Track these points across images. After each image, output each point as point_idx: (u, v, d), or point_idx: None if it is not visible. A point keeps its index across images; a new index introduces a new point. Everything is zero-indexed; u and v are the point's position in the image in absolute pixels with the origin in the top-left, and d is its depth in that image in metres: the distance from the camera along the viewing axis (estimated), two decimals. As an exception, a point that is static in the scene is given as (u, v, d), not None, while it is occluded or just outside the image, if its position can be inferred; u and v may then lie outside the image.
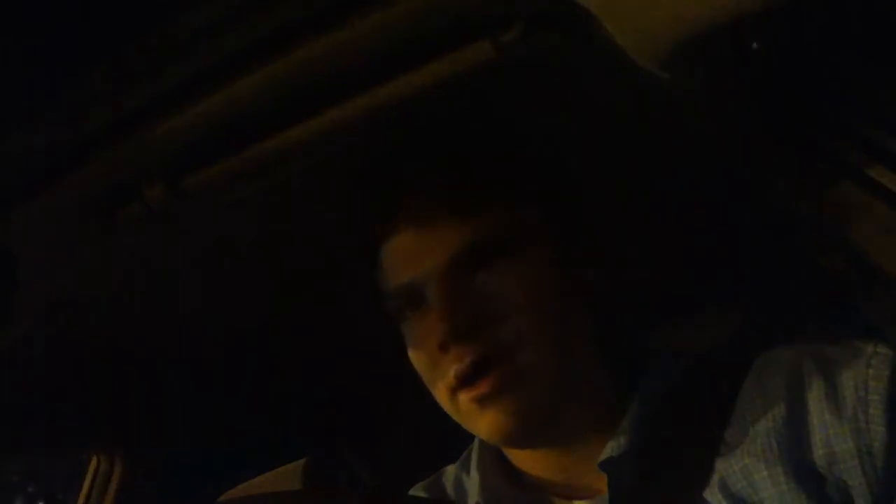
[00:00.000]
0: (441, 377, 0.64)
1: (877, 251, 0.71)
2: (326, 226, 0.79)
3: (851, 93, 0.62)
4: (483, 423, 0.64)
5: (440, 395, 0.67)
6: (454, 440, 0.76)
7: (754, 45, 0.57)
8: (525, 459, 0.71)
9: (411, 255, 0.65)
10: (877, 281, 0.79)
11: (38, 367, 0.88)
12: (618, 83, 0.63)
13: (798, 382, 0.61)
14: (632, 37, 0.54)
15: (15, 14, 0.56)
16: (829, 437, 0.58)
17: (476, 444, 0.75)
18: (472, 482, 0.73)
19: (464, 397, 0.63)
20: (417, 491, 0.78)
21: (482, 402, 0.63)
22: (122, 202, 0.70)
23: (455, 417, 0.67)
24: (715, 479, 0.61)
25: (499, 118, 0.68)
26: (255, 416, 1.17)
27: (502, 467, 0.72)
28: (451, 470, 0.79)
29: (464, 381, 0.63)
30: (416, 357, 0.67)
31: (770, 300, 0.88)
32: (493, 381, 0.62)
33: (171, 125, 0.63)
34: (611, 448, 0.64)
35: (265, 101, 0.62)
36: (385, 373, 0.93)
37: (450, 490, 0.76)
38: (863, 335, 0.68)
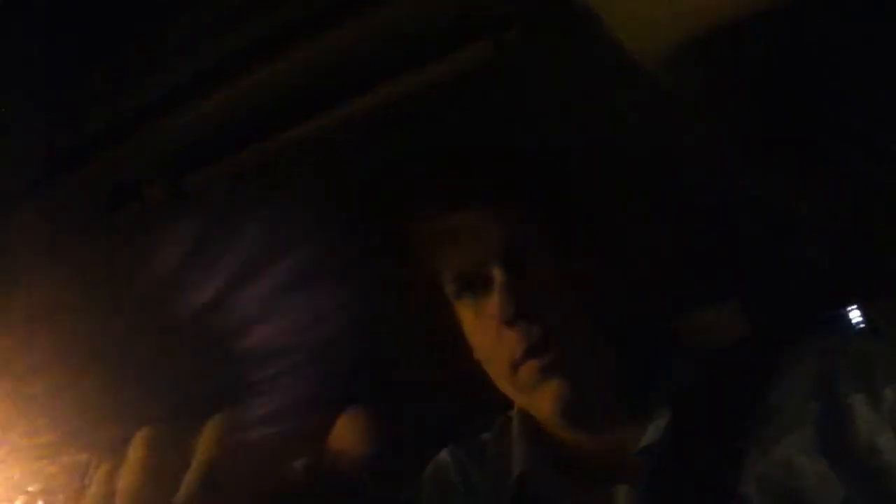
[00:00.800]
0: (504, 352, 0.69)
1: (877, 251, 0.71)
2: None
3: (851, 93, 0.62)
4: (545, 391, 0.68)
5: (499, 369, 0.71)
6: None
7: (754, 44, 0.57)
8: (565, 440, 0.73)
9: (470, 242, 0.69)
10: (877, 281, 0.79)
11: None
12: (618, 83, 0.63)
13: (834, 377, 0.64)
14: (632, 36, 0.55)
15: (15, 15, 0.56)
16: (870, 430, 0.60)
17: (516, 419, 0.77)
18: (517, 452, 0.75)
19: (528, 369, 0.67)
20: (450, 450, 0.81)
21: (546, 372, 0.67)
22: (122, 202, 0.70)
23: (511, 392, 0.72)
24: (749, 470, 0.63)
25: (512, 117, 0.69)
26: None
27: (542, 445, 0.75)
28: (484, 438, 0.82)
29: (532, 352, 0.67)
30: (477, 334, 0.72)
31: (771, 300, 0.88)
32: (556, 352, 0.67)
33: (172, 125, 0.63)
34: (646, 438, 0.67)
35: (266, 101, 0.62)
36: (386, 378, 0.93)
37: (485, 457, 0.79)
38: (863, 334, 0.68)
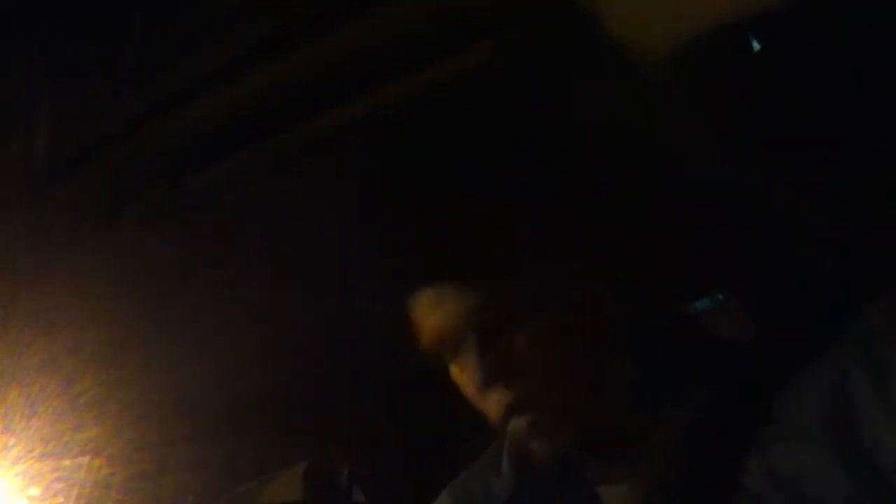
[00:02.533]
0: (486, 410, 0.71)
1: (877, 251, 0.71)
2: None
3: (851, 93, 0.62)
4: (531, 450, 0.73)
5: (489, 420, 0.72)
6: (452, 445, 0.77)
7: (754, 45, 0.57)
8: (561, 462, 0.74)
9: (444, 311, 0.70)
10: (877, 281, 0.79)
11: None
12: (618, 84, 0.63)
13: (840, 377, 0.64)
14: (633, 37, 0.55)
15: (15, 16, 0.56)
16: (877, 427, 0.61)
17: (506, 446, 0.79)
18: (505, 479, 0.78)
19: (510, 429, 0.70)
20: (445, 499, 0.83)
21: (523, 437, 0.70)
22: (123, 204, 0.70)
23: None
24: (756, 467, 0.64)
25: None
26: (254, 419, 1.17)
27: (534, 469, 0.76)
28: (472, 473, 0.83)
29: (504, 419, 0.69)
30: (464, 387, 0.73)
31: (772, 301, 0.88)
32: (531, 418, 0.68)
33: (173, 127, 0.63)
34: (652, 439, 0.68)
35: (267, 103, 0.62)
36: (385, 379, 0.93)
37: (478, 493, 0.81)
38: (863, 335, 0.68)
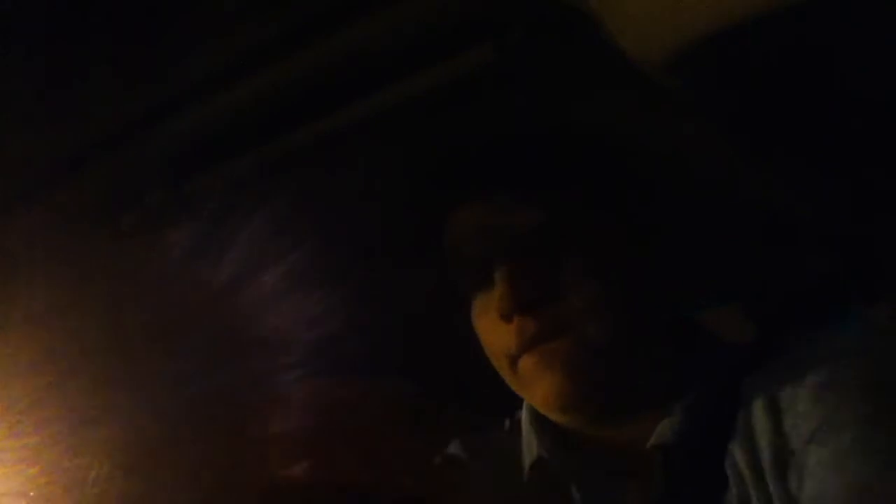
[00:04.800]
0: (503, 346, 0.68)
1: (877, 251, 0.71)
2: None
3: (852, 95, 0.62)
4: (542, 385, 0.67)
5: (500, 363, 0.71)
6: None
7: (756, 46, 0.57)
8: (573, 430, 0.73)
9: (482, 230, 0.69)
10: (877, 281, 0.80)
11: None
12: (619, 85, 0.63)
13: (840, 379, 0.63)
14: (633, 39, 0.55)
15: (16, 18, 0.56)
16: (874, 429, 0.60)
17: (526, 412, 0.77)
18: (527, 443, 0.75)
19: (524, 363, 0.67)
20: (456, 447, 0.81)
21: (541, 366, 0.66)
22: (124, 206, 0.70)
23: (514, 386, 0.72)
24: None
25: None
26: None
27: (552, 434, 0.74)
28: (497, 431, 0.82)
29: (524, 348, 0.66)
30: (481, 327, 0.72)
31: (772, 301, 0.88)
32: (553, 347, 0.66)
33: (174, 129, 0.63)
34: (663, 428, 0.66)
35: (268, 105, 0.62)
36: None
37: (497, 449, 0.79)
38: (862, 335, 0.68)
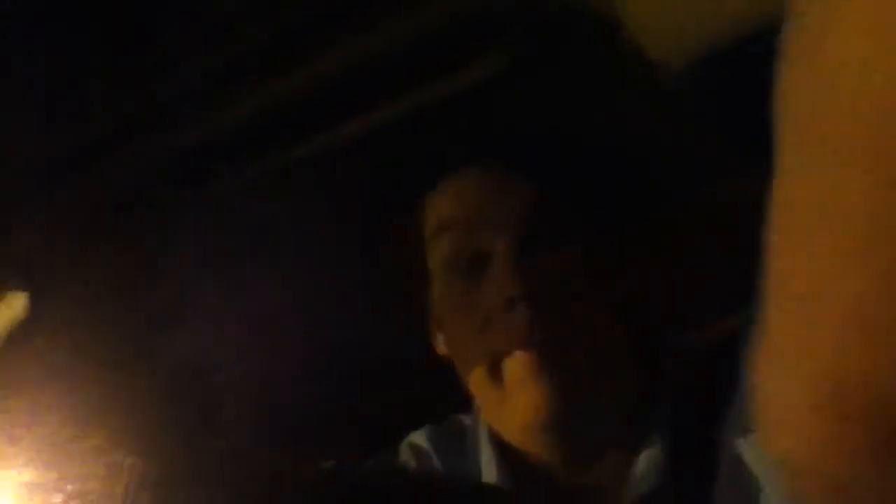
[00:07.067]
0: (485, 346, 0.61)
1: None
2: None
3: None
4: (530, 393, 0.60)
5: (475, 371, 0.63)
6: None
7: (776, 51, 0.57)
8: (536, 465, 0.66)
9: (481, 206, 0.63)
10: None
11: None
12: (636, 88, 0.63)
13: None
14: (653, 43, 0.54)
15: (18, 22, 0.56)
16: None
17: (484, 430, 0.68)
18: (487, 459, 0.67)
19: (513, 363, 0.60)
20: (423, 432, 0.72)
21: (535, 367, 0.59)
22: (125, 208, 0.70)
23: (486, 399, 0.65)
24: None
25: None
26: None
27: (515, 464, 0.66)
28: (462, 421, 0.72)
29: (525, 342, 0.60)
30: (455, 322, 0.65)
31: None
32: (553, 348, 0.59)
33: (174, 131, 0.63)
34: (638, 470, 0.61)
35: (269, 108, 0.61)
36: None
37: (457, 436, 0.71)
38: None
